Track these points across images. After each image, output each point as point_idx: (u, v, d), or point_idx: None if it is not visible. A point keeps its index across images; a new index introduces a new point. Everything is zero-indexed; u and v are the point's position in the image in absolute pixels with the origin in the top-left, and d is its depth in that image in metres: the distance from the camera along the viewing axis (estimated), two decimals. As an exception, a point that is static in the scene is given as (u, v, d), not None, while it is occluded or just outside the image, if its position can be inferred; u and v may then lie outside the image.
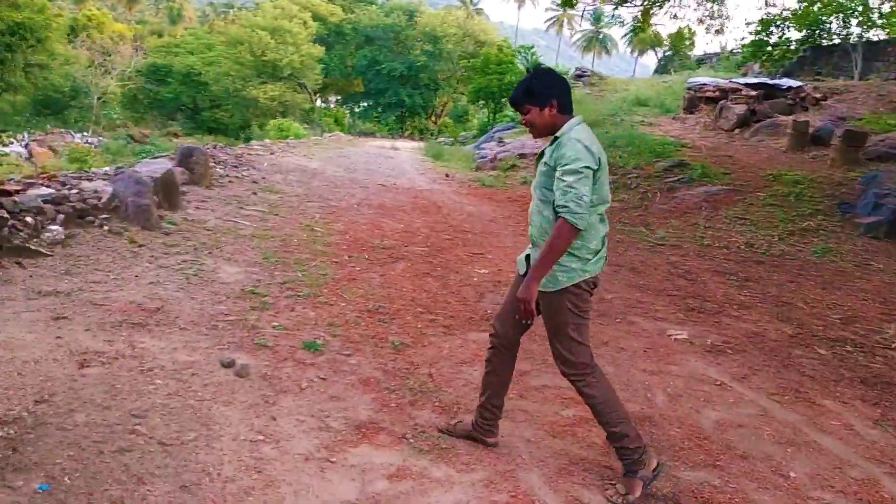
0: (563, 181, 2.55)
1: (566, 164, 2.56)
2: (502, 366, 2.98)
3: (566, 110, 2.74)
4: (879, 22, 22.50)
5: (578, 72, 24.97)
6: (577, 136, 2.63)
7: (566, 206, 2.51)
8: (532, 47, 34.94)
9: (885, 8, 21.94)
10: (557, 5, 57.18)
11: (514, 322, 2.82)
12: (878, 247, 8.53)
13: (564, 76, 2.96)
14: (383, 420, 3.16)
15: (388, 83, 44.37)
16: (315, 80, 40.63)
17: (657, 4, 12.00)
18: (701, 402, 3.78)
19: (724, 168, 11.64)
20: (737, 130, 14.79)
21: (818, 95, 15.74)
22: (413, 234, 7.09)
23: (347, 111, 48.78)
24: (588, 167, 2.55)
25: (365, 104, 49.11)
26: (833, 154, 11.71)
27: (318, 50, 39.36)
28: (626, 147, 13.21)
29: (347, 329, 4.25)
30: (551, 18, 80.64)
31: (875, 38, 23.47)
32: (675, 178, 11.02)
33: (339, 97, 50.71)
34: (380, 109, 46.97)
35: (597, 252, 2.73)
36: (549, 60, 43.33)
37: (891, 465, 3.27)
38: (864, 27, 21.99)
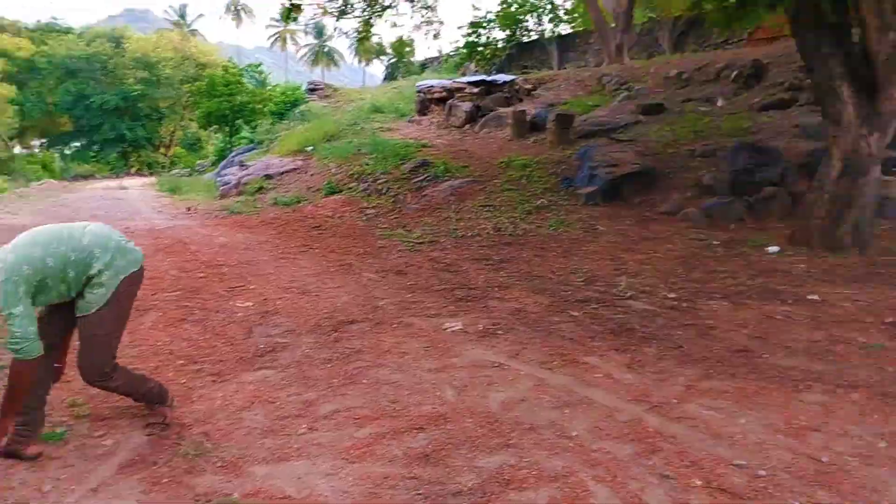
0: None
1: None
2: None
3: None
4: (566, 18, 25.84)
5: (311, 85, 24.96)
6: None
7: (15, 350, 2.80)
8: (260, 65, 34.16)
9: (568, 5, 25.20)
10: (278, 21, 56.59)
11: None
12: (600, 212, 9.72)
13: None
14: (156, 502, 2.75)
15: (102, 117, 40.20)
16: (8, 124, 35.36)
17: (377, 14, 12.36)
18: (486, 387, 3.91)
19: (462, 162, 12.41)
20: (467, 126, 15.87)
21: (529, 87, 17.52)
22: (160, 279, 6.42)
23: (57, 154, 43.15)
24: (8, 303, 2.73)
25: (77, 144, 43.77)
26: (549, 136, 13.12)
27: (8, 89, 34.31)
28: (372, 154, 13.46)
29: (95, 406, 3.65)
30: (274, 35, 79.61)
31: (564, 33, 26.85)
32: (423, 178, 11.46)
33: (43, 140, 44.63)
34: (97, 147, 42.32)
35: None
36: (278, 77, 42.69)
37: (647, 402, 3.68)
38: (554, 23, 25.05)
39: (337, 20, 12.25)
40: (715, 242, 7.93)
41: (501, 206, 9.99)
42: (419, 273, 6.87)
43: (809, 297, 5.70)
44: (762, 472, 2.93)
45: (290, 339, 4.84)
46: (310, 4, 12.16)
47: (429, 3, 15.05)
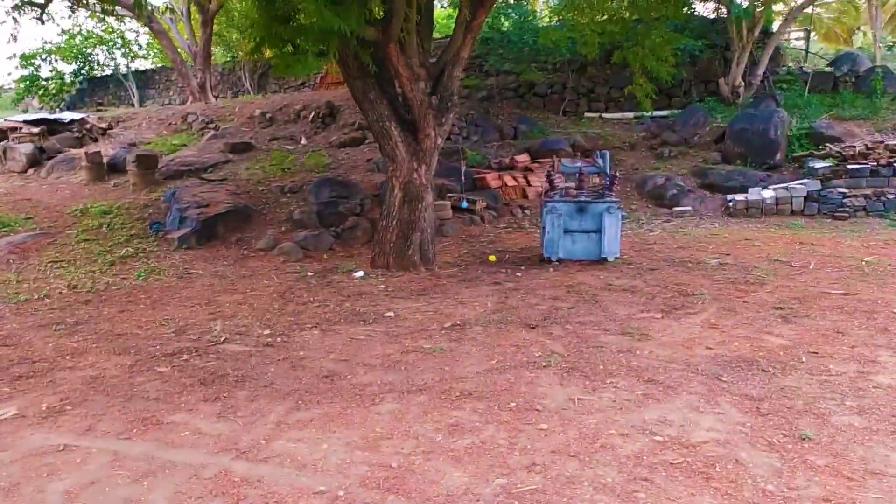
0: None
1: None
2: None
3: None
4: (141, 53, 24.36)
5: None
6: None
7: None
8: None
9: (144, 40, 23.79)
10: None
11: None
12: (195, 255, 9.35)
13: None
14: None
15: None
16: None
17: None
18: (45, 478, 3.35)
19: (25, 213, 10.67)
20: (30, 171, 13.71)
21: (104, 125, 15.99)
22: None
23: None
24: None
25: None
26: (132, 179, 12.16)
27: None
28: None
29: None
30: None
31: (143, 68, 25.30)
32: (-33, 236, 9.47)
33: None
34: None
35: None
36: None
37: (236, 450, 3.61)
38: (129, 58, 23.40)
39: None
40: (309, 274, 8.31)
41: (77, 259, 8.86)
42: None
43: (387, 314, 6.36)
44: (341, 493, 3.11)
45: None
46: None
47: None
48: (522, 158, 13.30)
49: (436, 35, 15.67)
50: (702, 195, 12.19)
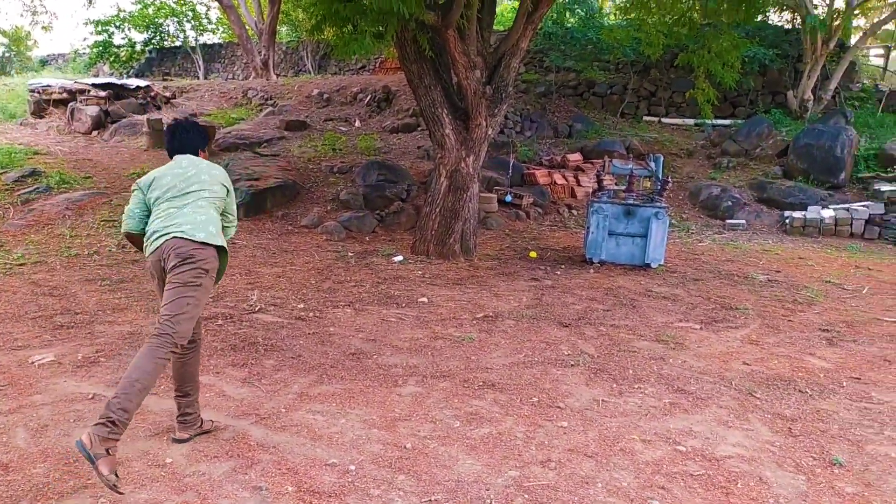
0: None
1: None
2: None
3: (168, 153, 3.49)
4: (209, 27, 24.93)
5: None
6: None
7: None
8: None
9: (213, 15, 24.34)
10: None
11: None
12: (241, 226, 9.46)
13: (175, 125, 3.55)
14: None
15: None
16: None
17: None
18: (70, 423, 3.45)
19: (85, 172, 11.04)
20: (95, 132, 14.21)
21: (168, 94, 16.42)
22: None
23: None
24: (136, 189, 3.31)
25: None
26: (189, 148, 12.45)
27: None
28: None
29: None
30: None
31: (210, 42, 25.89)
32: (31, 189, 9.86)
33: None
34: None
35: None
36: None
37: (255, 416, 3.65)
38: (198, 31, 23.97)
39: None
40: (350, 254, 8.37)
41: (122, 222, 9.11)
42: (12, 300, 5.84)
43: (420, 299, 6.35)
44: (352, 468, 3.11)
45: None
46: None
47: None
48: (574, 157, 13.11)
49: (498, 27, 15.58)
50: (758, 209, 11.80)
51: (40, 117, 15.55)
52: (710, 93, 9.68)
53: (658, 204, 8.01)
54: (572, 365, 4.67)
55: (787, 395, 4.27)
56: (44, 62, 30.05)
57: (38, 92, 15.69)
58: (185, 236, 3.11)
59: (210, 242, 3.17)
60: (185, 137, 3.48)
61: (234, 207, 3.56)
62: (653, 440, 3.54)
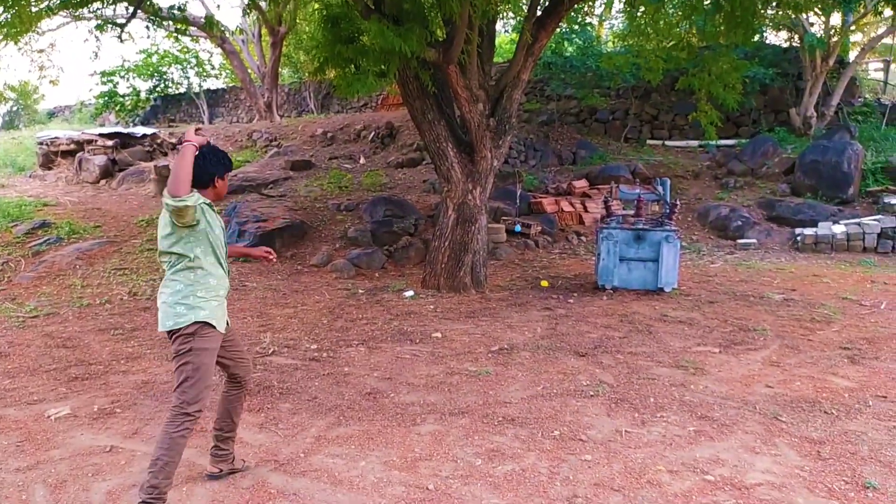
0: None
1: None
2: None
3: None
4: (213, 73, 25.36)
5: None
6: None
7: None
8: None
9: (216, 61, 24.77)
10: None
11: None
12: (251, 268, 9.54)
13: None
14: None
15: None
16: None
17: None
18: (90, 478, 3.41)
19: (94, 221, 11.14)
20: (103, 181, 14.38)
21: (174, 140, 16.62)
22: None
23: None
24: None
25: None
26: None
27: None
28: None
29: None
30: None
31: (214, 87, 26.31)
32: (42, 241, 9.95)
33: None
34: None
35: None
36: None
37: (274, 462, 3.60)
38: (201, 77, 24.38)
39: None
40: (360, 291, 8.36)
41: (140, 268, 9.16)
42: (26, 353, 5.84)
43: (434, 334, 6.31)
44: (374, 512, 3.05)
45: None
46: None
47: (42, 48, 13.26)
48: (580, 184, 13.14)
49: (498, 59, 15.78)
50: (768, 228, 11.75)
51: (49, 169, 15.77)
52: (713, 115, 9.72)
53: (668, 227, 7.98)
54: (592, 395, 4.60)
55: (813, 416, 4.18)
56: (51, 114, 30.59)
57: (46, 144, 15.94)
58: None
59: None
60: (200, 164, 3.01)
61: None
62: (680, 470, 3.46)
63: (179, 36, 20.32)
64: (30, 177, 15.66)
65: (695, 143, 15.56)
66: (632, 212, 8.53)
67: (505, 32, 21.18)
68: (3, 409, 4.49)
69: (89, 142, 15.22)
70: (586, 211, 12.37)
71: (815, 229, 11.06)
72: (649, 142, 16.14)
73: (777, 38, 17.05)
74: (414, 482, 3.35)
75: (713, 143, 14.39)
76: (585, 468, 3.49)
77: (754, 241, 11.30)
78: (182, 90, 24.69)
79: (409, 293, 8.15)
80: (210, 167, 3.09)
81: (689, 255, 10.62)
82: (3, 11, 8.79)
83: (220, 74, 25.46)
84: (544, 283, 8.66)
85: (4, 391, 4.85)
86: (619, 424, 4.08)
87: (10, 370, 5.39)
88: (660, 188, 8.55)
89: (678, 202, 8.64)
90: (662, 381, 4.88)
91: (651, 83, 11.20)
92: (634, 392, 4.65)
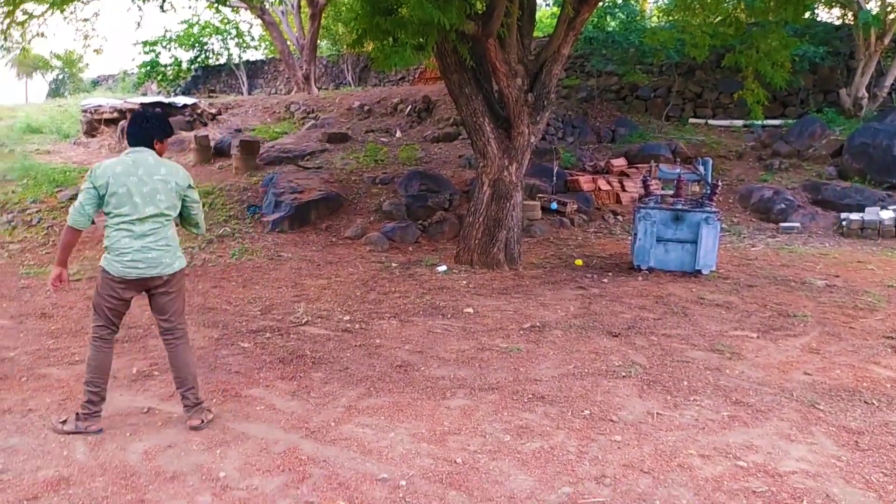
0: None
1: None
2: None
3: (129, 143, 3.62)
4: (253, 44, 25.46)
5: (-57, 98, 20.69)
6: (98, 165, 3.50)
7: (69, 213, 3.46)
8: None
9: (256, 32, 24.86)
10: None
11: None
12: (286, 238, 9.66)
13: (138, 114, 3.69)
14: None
15: None
16: None
17: (16, 24, 10.67)
18: (127, 437, 3.51)
19: (136, 189, 11.35)
20: (144, 150, 14.62)
21: (213, 111, 16.81)
22: None
23: None
24: (89, 186, 3.44)
25: None
26: (235, 163, 12.71)
27: None
28: (21, 180, 11.60)
29: None
30: None
31: (254, 59, 26.44)
32: (85, 207, 10.19)
33: None
34: None
35: (108, 251, 3.53)
36: None
37: (305, 429, 3.65)
38: (241, 48, 24.51)
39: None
40: (394, 264, 8.39)
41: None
42: (69, 315, 6.02)
43: (466, 310, 6.31)
44: (403, 483, 3.08)
45: None
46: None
47: (86, 17, 13.45)
48: (619, 162, 12.92)
49: (538, 34, 15.50)
50: (812, 212, 11.42)
51: (92, 136, 16.11)
52: (760, 93, 9.42)
53: (708, 208, 7.80)
54: (624, 376, 4.55)
55: (852, 406, 4.08)
56: (95, 83, 31.16)
57: (90, 112, 16.27)
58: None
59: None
60: (146, 127, 3.59)
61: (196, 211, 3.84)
62: (712, 455, 3.41)
63: (220, 6, 20.40)
64: (74, 144, 16.02)
65: (739, 122, 15.14)
66: (671, 192, 8.36)
67: (546, 6, 20.78)
68: (46, 368, 4.64)
69: (131, 110, 15.47)
70: (624, 190, 12.18)
71: (861, 214, 10.72)
72: (692, 120, 15.76)
73: (829, 14, 16.42)
74: (442, 455, 3.37)
75: (759, 122, 13.98)
76: (615, 449, 3.47)
77: (797, 224, 11.00)
78: (222, 61, 24.87)
79: (443, 268, 8.15)
80: (153, 131, 3.63)
81: (729, 238, 10.40)
82: (50, -21, 8.94)
83: (260, 46, 25.56)
84: (578, 262, 8.58)
85: (48, 351, 5.01)
86: (651, 406, 4.04)
87: (53, 331, 5.56)
88: (701, 168, 8.36)
89: (719, 183, 8.44)
90: (697, 365, 4.81)
91: (696, 60, 10.90)
92: (668, 374, 4.59)
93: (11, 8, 10.20)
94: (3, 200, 10.65)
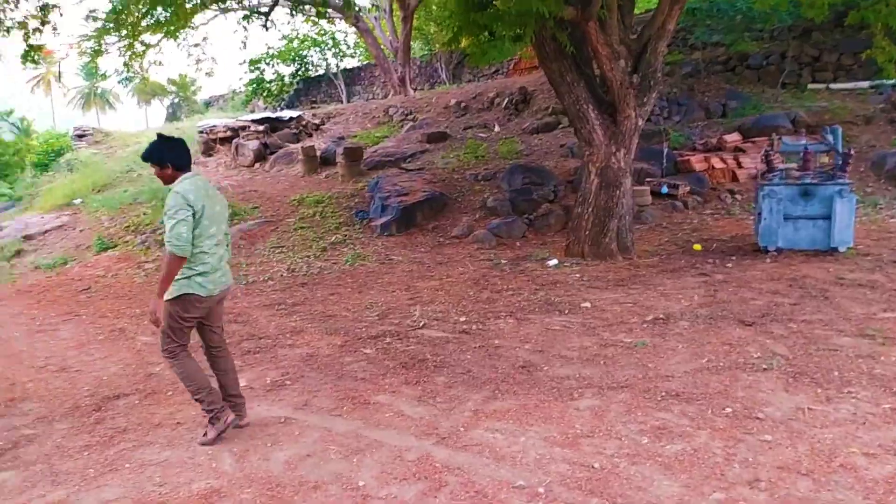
0: (165, 224, 3.50)
1: (166, 211, 3.52)
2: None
3: (181, 168, 3.65)
4: (348, 52, 26.13)
5: (78, 131, 22.59)
6: (179, 189, 3.53)
7: (168, 242, 3.46)
8: (11, 112, 30.46)
9: (351, 40, 25.50)
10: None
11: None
12: (395, 241, 9.81)
13: (181, 140, 3.75)
14: None
15: None
16: None
17: (136, 56, 11.48)
18: (269, 447, 3.64)
19: (252, 203, 11.92)
20: (257, 165, 15.34)
21: (317, 121, 17.38)
22: None
23: None
24: (183, 211, 3.47)
25: None
26: (340, 170, 13.07)
27: None
28: (150, 202, 12.46)
29: None
30: (35, 78, 71.46)
31: (350, 67, 27.14)
32: (208, 223, 10.80)
33: None
34: None
35: (202, 274, 3.61)
36: (44, 123, 38.36)
37: (436, 435, 3.65)
38: (338, 57, 25.21)
39: (91, 61, 11.18)
40: (503, 261, 8.32)
41: (295, 245, 9.70)
42: (203, 328, 6.36)
43: (583, 304, 6.14)
44: (541, 490, 3.00)
45: (39, 428, 4.18)
46: (60, 45, 10.98)
47: (196, 42, 14.24)
48: (732, 138, 12.18)
49: (637, 11, 14.89)
50: (959, 174, 10.29)
51: (209, 155, 17.07)
52: (892, 50, 8.58)
53: (841, 180, 7.19)
54: (765, 369, 4.25)
55: None
56: (207, 104, 33.07)
57: (206, 132, 17.24)
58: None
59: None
60: (186, 149, 3.75)
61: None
62: (878, 453, 3.11)
63: (317, 19, 21.05)
64: (194, 164, 17.04)
65: (865, 84, 13.87)
66: (796, 165, 7.78)
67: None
68: (189, 380, 4.92)
69: (243, 128, 16.28)
70: (740, 167, 11.47)
71: None
72: (810, 86, 14.60)
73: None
74: (578, 460, 3.26)
75: (889, 82, 12.74)
76: (766, 449, 3.23)
77: (944, 190, 9.95)
78: (321, 72, 25.70)
79: (553, 262, 8.00)
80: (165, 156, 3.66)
81: (864, 210, 9.56)
82: (163, 10, 9.52)
83: (355, 53, 26.18)
84: (697, 247, 8.16)
85: (189, 364, 5.31)
86: (800, 401, 3.74)
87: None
88: (829, 137, 7.71)
89: (852, 151, 7.75)
90: (846, 353, 4.42)
91: (813, 21, 10.07)
92: (814, 365, 4.25)
93: (131, 41, 10.96)
94: (136, 222, 11.49)
